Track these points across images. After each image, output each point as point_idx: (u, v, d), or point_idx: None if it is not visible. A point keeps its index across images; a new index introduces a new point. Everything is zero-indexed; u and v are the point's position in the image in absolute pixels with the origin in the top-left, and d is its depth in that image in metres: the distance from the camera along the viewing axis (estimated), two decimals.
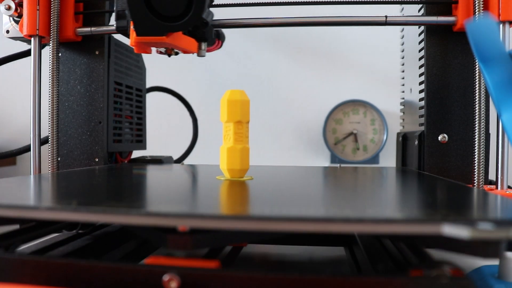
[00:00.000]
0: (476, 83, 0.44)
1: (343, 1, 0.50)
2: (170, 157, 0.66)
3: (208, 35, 0.50)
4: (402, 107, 0.65)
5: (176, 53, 0.50)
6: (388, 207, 0.27)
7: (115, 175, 0.43)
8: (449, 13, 0.48)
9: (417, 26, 0.54)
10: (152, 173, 0.47)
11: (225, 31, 0.56)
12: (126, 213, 0.22)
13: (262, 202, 0.28)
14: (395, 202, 0.30)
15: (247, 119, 0.38)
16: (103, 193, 0.32)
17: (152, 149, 0.71)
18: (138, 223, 0.22)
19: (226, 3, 0.52)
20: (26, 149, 0.59)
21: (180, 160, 0.76)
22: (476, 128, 0.44)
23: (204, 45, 0.50)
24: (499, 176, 0.43)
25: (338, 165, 0.56)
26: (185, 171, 0.49)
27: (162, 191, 0.34)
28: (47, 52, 0.50)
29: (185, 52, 0.50)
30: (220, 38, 0.63)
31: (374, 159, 0.88)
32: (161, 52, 0.50)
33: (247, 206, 0.26)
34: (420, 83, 0.52)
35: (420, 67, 0.52)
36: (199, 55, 0.51)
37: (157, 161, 0.61)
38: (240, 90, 0.38)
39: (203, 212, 0.22)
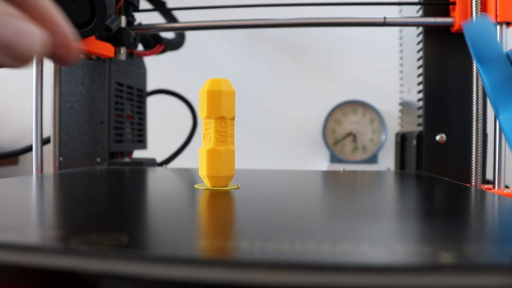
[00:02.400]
0: (474, 83, 0.44)
1: (342, 3, 0.50)
2: (153, 160, 0.62)
3: (125, 40, 0.52)
4: (401, 107, 0.65)
5: (97, 57, 0.53)
6: (432, 234, 0.18)
7: (79, 182, 0.37)
8: (447, 14, 0.49)
9: (416, 27, 0.54)
10: (122, 179, 0.40)
11: (226, 31, 0.57)
12: (32, 250, 0.15)
13: (243, 229, 0.19)
14: (438, 227, 0.19)
15: (232, 114, 0.31)
16: (35, 211, 0.24)
17: (153, 149, 0.71)
18: (51, 265, 0.15)
19: (232, 4, 0.53)
20: (28, 149, 0.60)
21: (165, 162, 0.71)
22: (473, 128, 0.44)
23: (123, 49, 0.54)
24: (496, 176, 0.44)
25: (341, 168, 0.49)
26: (161, 177, 0.42)
27: (116, 209, 0.24)
28: None
29: (102, 56, 0.53)
30: (163, 42, 0.65)
31: (373, 158, 0.88)
32: (83, 56, 0.54)
33: (219, 237, 0.17)
34: (419, 84, 0.53)
35: (419, 67, 0.53)
36: (117, 58, 0.54)
37: (137, 163, 0.56)
38: (223, 79, 0.30)
39: (153, 251, 0.15)
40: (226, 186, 0.31)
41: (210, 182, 0.31)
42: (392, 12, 0.62)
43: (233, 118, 0.31)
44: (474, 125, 0.44)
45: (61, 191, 0.32)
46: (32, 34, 0.18)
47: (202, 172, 0.31)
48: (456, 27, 0.47)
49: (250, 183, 0.36)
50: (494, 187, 0.44)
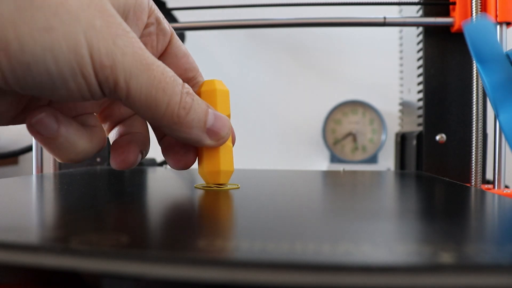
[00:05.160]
0: (474, 83, 0.44)
1: (342, 3, 0.50)
2: (153, 160, 0.62)
3: None
4: (401, 107, 0.65)
5: None
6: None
7: (78, 182, 0.37)
8: (447, 14, 0.49)
9: (416, 27, 0.54)
10: (122, 179, 0.39)
11: (225, 31, 0.57)
12: (32, 250, 0.15)
13: (243, 229, 0.19)
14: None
15: (227, 112, 0.30)
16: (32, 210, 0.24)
17: (154, 149, 0.71)
18: (51, 265, 0.15)
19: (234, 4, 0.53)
20: (28, 149, 0.60)
21: (165, 162, 0.68)
22: (473, 128, 0.44)
23: None
24: (496, 176, 0.44)
25: (341, 168, 0.48)
26: (161, 177, 0.42)
27: (116, 209, 0.24)
28: None
29: None
30: None
31: (373, 158, 0.88)
32: None
33: (219, 237, 0.17)
34: (419, 84, 0.53)
35: (419, 67, 0.53)
36: None
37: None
38: (217, 80, 0.31)
39: (153, 251, 0.15)
40: (226, 184, 0.31)
41: (209, 178, 0.30)
42: (392, 12, 0.62)
43: (228, 115, 0.30)
44: (474, 125, 0.44)
45: (61, 191, 0.32)
46: (227, 122, 0.26)
47: (201, 170, 0.30)
48: (456, 27, 0.47)
49: (250, 183, 0.36)
50: (494, 187, 0.44)
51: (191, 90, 0.22)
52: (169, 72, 0.21)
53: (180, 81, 0.21)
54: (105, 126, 0.27)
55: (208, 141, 0.24)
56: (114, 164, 0.26)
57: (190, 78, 0.28)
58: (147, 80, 0.19)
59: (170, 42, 0.26)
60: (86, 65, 0.17)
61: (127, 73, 0.18)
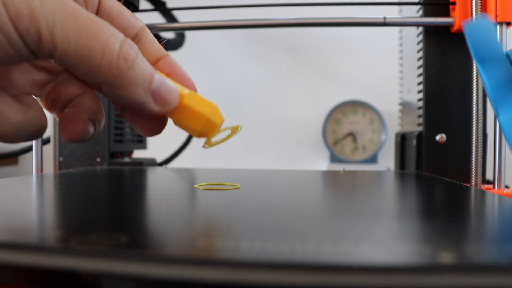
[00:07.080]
0: (474, 83, 0.44)
1: (342, 3, 0.50)
2: (153, 160, 0.62)
3: None
4: (401, 107, 0.65)
5: None
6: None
7: (74, 183, 0.36)
8: (447, 14, 0.49)
9: (416, 27, 0.54)
10: (122, 179, 0.39)
11: (225, 31, 0.56)
12: (32, 250, 0.15)
13: (243, 229, 0.19)
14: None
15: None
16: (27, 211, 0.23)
17: (153, 149, 0.71)
18: (51, 265, 0.15)
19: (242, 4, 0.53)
20: (28, 149, 0.60)
21: (165, 162, 0.69)
22: (473, 128, 0.44)
23: None
24: (496, 176, 0.44)
25: (341, 168, 0.48)
26: (161, 177, 0.41)
27: (116, 209, 0.24)
28: None
29: None
30: (162, 42, 0.64)
31: (373, 158, 0.88)
32: None
33: (219, 237, 0.17)
34: (419, 84, 0.53)
35: (419, 67, 0.53)
36: None
37: (137, 163, 0.56)
38: None
39: (153, 251, 0.15)
40: (222, 119, 0.23)
41: (209, 130, 0.22)
42: (392, 12, 0.62)
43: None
44: (474, 125, 0.44)
45: (61, 191, 0.32)
46: (175, 89, 0.22)
47: (193, 128, 0.22)
48: (456, 27, 0.47)
49: (250, 183, 0.36)
50: (494, 187, 0.44)
51: (135, 46, 0.20)
52: (100, 20, 0.19)
53: (120, 33, 0.19)
54: (54, 113, 0.25)
55: (153, 105, 0.21)
56: (63, 136, 0.23)
57: (131, 37, 0.25)
58: (74, 27, 0.17)
59: (100, 2, 0.24)
60: (0, 16, 0.16)
61: (49, 21, 0.17)
